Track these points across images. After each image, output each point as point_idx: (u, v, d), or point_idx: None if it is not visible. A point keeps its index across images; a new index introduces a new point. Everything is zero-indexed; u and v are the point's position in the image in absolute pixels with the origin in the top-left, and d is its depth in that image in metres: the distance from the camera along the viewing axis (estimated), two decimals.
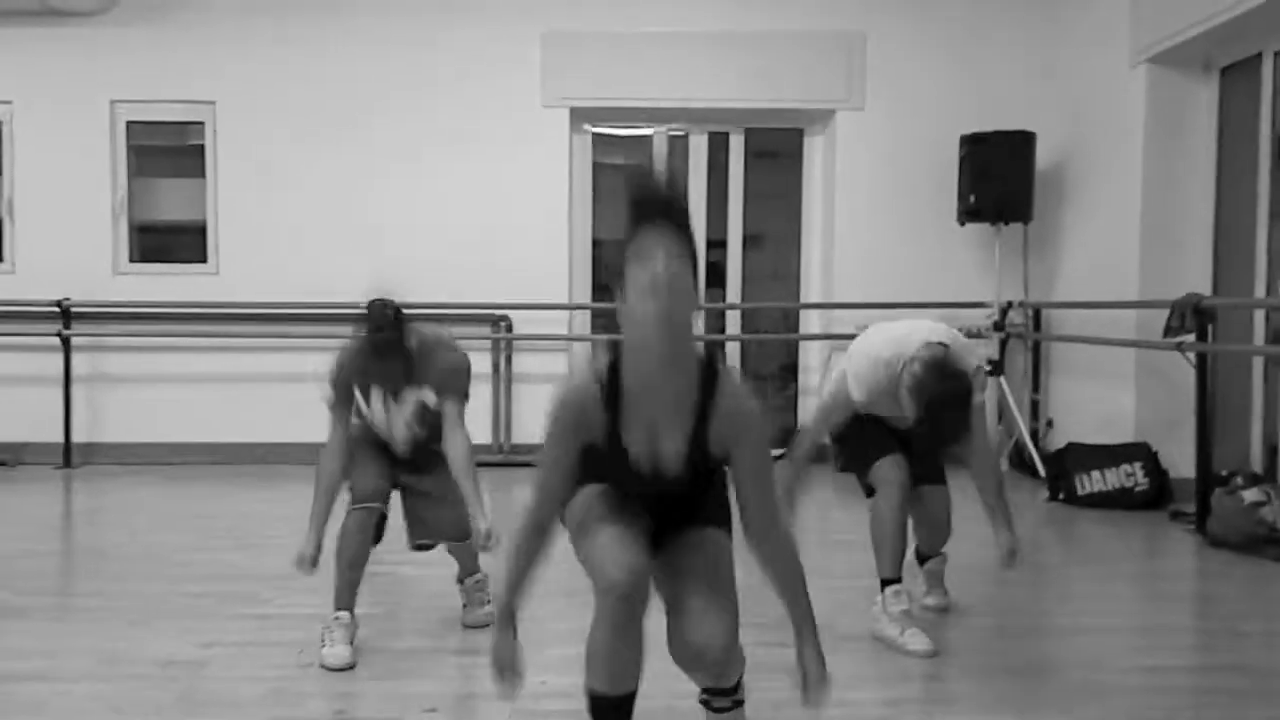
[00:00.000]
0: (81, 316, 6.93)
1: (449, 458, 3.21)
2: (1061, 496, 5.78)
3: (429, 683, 2.96)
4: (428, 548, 3.44)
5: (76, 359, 6.91)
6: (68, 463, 6.83)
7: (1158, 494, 5.56)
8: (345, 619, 3.17)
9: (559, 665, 3.08)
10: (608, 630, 2.04)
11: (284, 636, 3.34)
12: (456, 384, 3.27)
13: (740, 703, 2.26)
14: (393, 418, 3.29)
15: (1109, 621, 3.63)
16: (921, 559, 3.74)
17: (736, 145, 7.43)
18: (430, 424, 3.30)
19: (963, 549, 4.66)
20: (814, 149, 7.43)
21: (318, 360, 6.80)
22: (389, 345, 3.14)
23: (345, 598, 3.21)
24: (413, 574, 4.25)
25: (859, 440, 3.44)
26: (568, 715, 2.68)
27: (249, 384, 7.00)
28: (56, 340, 6.81)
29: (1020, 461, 6.68)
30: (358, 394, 3.29)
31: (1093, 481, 5.67)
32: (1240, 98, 5.71)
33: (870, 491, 3.41)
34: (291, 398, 6.97)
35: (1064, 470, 5.81)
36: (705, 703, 2.24)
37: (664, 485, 2.07)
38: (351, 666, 3.09)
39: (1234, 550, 4.61)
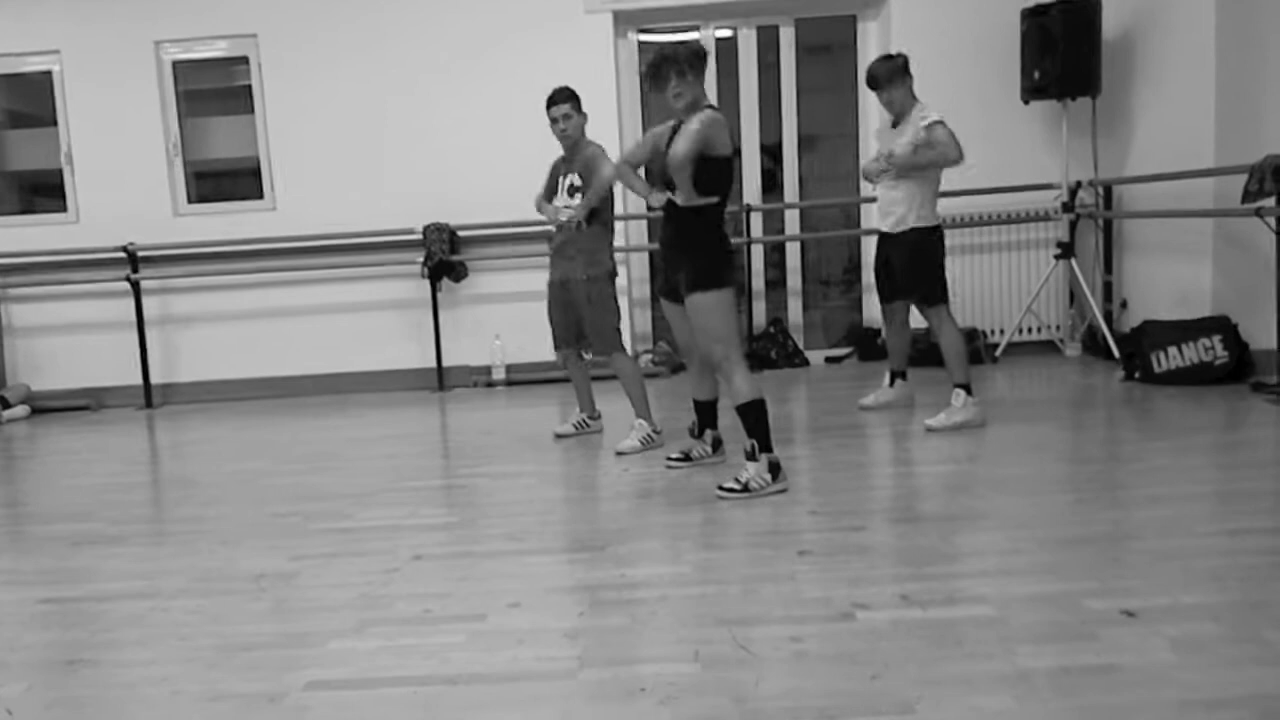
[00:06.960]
0: (147, 260, 7.06)
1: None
2: (1138, 375, 5.65)
3: (510, 581, 3.02)
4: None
5: (146, 302, 7.06)
6: (149, 403, 7.03)
7: (1238, 366, 5.40)
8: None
9: (636, 558, 3.13)
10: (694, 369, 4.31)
11: (368, 547, 3.42)
12: (592, 170, 4.79)
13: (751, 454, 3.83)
14: (561, 187, 4.93)
15: (1188, 489, 3.57)
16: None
17: (787, 39, 7.23)
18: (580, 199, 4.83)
19: (1039, 430, 4.62)
20: (868, 36, 7.20)
21: (379, 289, 6.99)
22: (568, 95, 4.79)
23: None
24: (488, 485, 4.32)
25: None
26: (645, 604, 2.72)
27: (313, 316, 7.09)
28: (126, 285, 6.96)
29: (1094, 344, 6.54)
30: (560, 176, 4.95)
31: (1170, 358, 5.52)
32: None
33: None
34: (355, 327, 7.08)
35: (1140, 349, 5.67)
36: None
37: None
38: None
39: None
